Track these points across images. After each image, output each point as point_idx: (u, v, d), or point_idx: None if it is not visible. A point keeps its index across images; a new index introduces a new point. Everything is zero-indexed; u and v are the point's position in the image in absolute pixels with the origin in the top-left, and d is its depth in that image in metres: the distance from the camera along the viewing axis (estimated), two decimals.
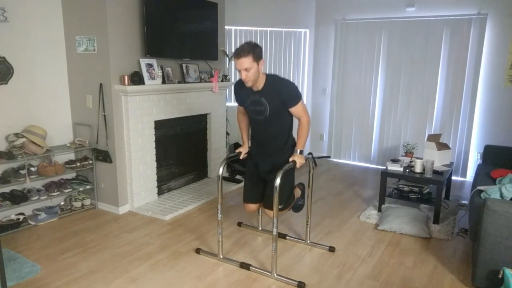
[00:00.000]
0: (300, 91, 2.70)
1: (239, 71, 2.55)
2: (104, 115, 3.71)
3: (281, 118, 2.71)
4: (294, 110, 2.66)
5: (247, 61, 2.49)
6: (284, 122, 2.75)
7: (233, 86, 2.82)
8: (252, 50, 2.50)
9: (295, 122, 2.78)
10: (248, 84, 2.60)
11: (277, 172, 2.62)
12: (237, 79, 2.78)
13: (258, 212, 3.44)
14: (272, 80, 2.66)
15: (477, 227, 2.58)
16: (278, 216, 2.63)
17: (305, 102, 6.07)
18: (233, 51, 5.43)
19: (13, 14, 3.40)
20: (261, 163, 2.88)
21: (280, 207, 2.69)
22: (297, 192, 3.16)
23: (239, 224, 3.61)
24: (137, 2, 3.73)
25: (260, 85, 2.64)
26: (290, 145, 2.81)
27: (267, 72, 2.73)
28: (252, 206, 2.99)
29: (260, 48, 2.57)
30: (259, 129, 2.80)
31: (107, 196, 3.89)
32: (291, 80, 2.72)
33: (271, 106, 2.65)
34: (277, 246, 2.75)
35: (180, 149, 4.53)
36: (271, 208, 2.75)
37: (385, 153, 5.70)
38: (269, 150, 2.80)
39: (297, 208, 3.20)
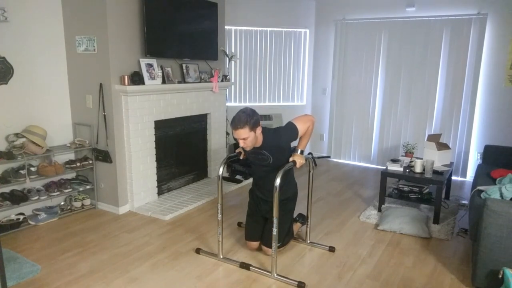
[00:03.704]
0: (290, 123, 2.78)
1: (237, 139, 2.63)
2: (104, 115, 3.71)
3: (284, 156, 2.79)
4: (299, 133, 2.77)
5: (243, 132, 2.57)
6: (286, 157, 2.81)
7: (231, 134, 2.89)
8: (248, 121, 2.55)
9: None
10: (247, 149, 2.70)
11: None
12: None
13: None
14: (268, 137, 2.72)
15: (477, 227, 2.58)
16: (275, 254, 2.69)
17: (305, 103, 6.14)
18: (233, 51, 5.48)
19: (13, 14, 3.40)
20: (262, 202, 2.97)
21: (278, 244, 2.77)
22: (297, 226, 3.26)
23: (239, 224, 3.61)
24: (137, 2, 3.73)
25: (258, 144, 2.72)
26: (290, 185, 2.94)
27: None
28: (254, 244, 3.06)
29: (257, 116, 2.62)
30: (261, 173, 2.89)
31: (107, 196, 3.89)
32: (279, 127, 2.83)
33: (273, 155, 2.75)
34: (277, 246, 2.74)
35: (180, 149, 4.53)
36: (268, 246, 2.87)
37: (385, 153, 5.70)
38: (270, 189, 2.83)
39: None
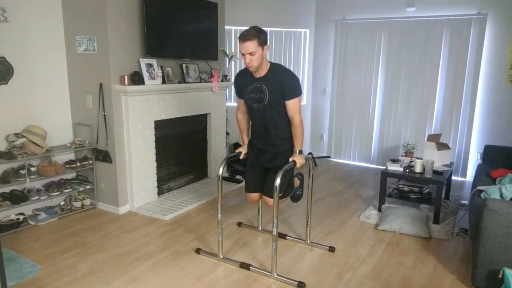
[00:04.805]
0: (301, 88, 2.69)
1: (243, 55, 2.53)
2: (104, 115, 3.71)
3: (279, 108, 2.68)
4: (290, 104, 2.64)
5: (252, 45, 2.48)
6: (283, 112, 2.71)
7: (234, 77, 2.83)
8: (258, 34, 2.48)
9: None
10: (251, 69, 2.58)
11: (277, 160, 2.60)
12: (239, 71, 2.77)
13: (258, 212, 3.44)
14: (276, 68, 2.64)
15: (477, 227, 2.58)
16: (278, 204, 2.61)
17: (304, 102, 6.14)
18: (233, 51, 5.48)
19: (13, 14, 3.40)
20: (261, 152, 2.87)
21: (279, 195, 2.67)
22: (296, 182, 3.14)
23: (239, 224, 3.61)
24: (137, 2, 3.73)
25: (263, 71, 2.63)
26: (291, 137, 2.78)
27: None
28: (254, 196, 2.97)
29: (266, 34, 2.56)
30: (258, 119, 2.77)
31: (107, 196, 3.89)
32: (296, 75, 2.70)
33: (270, 94, 2.63)
34: (277, 246, 2.74)
35: (180, 149, 4.53)
36: (270, 196, 2.76)
37: (385, 153, 5.70)
38: (269, 139, 2.78)
39: (296, 198, 3.16)
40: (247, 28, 2.54)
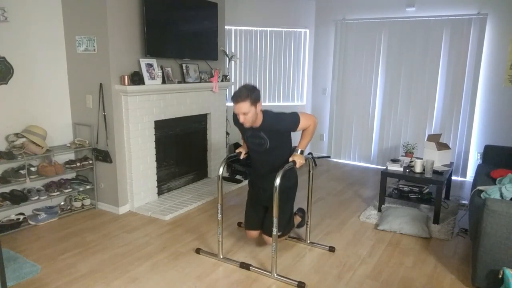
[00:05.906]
0: (295, 112, 2.76)
1: (237, 114, 2.61)
2: (104, 115, 3.71)
3: (281, 146, 2.78)
4: (300, 128, 2.75)
5: (244, 106, 2.55)
6: (285, 149, 2.81)
7: (232, 116, 2.87)
8: (249, 95, 2.55)
9: (294, 136, 2.82)
10: (246, 125, 2.67)
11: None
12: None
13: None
14: (268, 117, 2.71)
15: (477, 227, 2.58)
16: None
17: (305, 103, 6.14)
18: (233, 51, 5.48)
19: (13, 14, 3.40)
20: (261, 191, 2.94)
21: (278, 234, 2.73)
22: (297, 220, 3.25)
23: (239, 224, 3.61)
24: (137, 2, 3.73)
25: (258, 123, 2.70)
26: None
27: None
28: (254, 233, 3.05)
29: (258, 91, 2.62)
30: (259, 160, 2.86)
31: (107, 196, 3.89)
32: (283, 111, 2.79)
33: (271, 140, 2.72)
34: (277, 246, 2.74)
35: (180, 149, 4.53)
36: (269, 235, 2.82)
37: (385, 153, 5.70)
38: (269, 179, 2.81)
39: (298, 225, 3.31)
40: (239, 88, 2.61)
